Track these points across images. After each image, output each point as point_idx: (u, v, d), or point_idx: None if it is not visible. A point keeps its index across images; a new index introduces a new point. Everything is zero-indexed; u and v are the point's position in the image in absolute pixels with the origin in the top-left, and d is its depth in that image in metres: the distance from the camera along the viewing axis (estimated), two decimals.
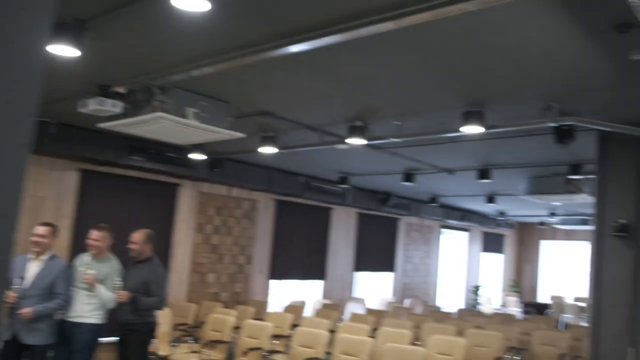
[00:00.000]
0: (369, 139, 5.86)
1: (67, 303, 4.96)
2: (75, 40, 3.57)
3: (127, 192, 7.95)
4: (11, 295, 4.66)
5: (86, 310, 5.04)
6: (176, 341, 7.08)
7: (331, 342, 5.99)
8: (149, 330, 5.22)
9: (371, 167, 8.64)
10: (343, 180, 9.54)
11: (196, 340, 7.36)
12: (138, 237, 5.30)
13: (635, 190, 5.66)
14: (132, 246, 5.27)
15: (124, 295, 5.04)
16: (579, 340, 7.32)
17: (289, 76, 4.57)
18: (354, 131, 5.74)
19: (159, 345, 6.96)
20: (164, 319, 7.48)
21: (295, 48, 3.65)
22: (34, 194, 7.07)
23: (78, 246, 6.64)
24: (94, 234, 5.23)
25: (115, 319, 5.31)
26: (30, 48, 1.10)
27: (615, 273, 5.60)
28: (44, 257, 4.94)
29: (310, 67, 4.32)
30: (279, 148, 6.60)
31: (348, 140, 5.81)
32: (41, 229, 4.95)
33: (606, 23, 3.38)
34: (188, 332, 7.52)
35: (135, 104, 4.89)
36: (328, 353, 5.94)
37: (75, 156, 7.19)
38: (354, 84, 4.69)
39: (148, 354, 5.20)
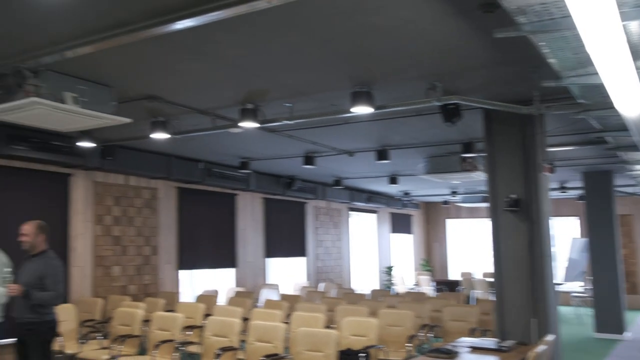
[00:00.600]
0: (261, 122, 5.82)
1: None
2: None
3: (13, 184, 7.50)
4: None
5: None
6: (84, 338, 6.80)
7: (245, 330, 5.94)
8: (49, 329, 4.93)
9: (271, 151, 8.61)
10: (244, 165, 9.45)
11: (105, 336, 7.10)
12: (29, 229, 4.98)
13: (522, 165, 5.94)
14: (24, 238, 4.95)
15: (15, 288, 4.73)
16: (487, 314, 7.62)
17: (170, 58, 4.43)
18: (246, 114, 5.67)
19: (66, 343, 6.68)
20: (69, 315, 7.18)
21: (168, 27, 3.53)
22: None
23: None
24: None
25: (12, 319, 5.00)
26: None
27: (512, 247, 5.88)
28: None
29: (189, 48, 4.20)
30: (173, 134, 6.43)
31: (241, 124, 5.73)
32: None
33: (472, 2, 3.49)
34: (96, 328, 7.23)
35: (7, 89, 4.59)
36: (242, 341, 5.89)
37: None
38: (237, 66, 4.62)
39: (50, 354, 4.92)
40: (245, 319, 6.63)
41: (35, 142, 7.06)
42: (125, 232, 8.92)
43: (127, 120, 5.07)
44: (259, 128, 6.16)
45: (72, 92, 4.74)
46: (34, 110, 4.68)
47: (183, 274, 9.92)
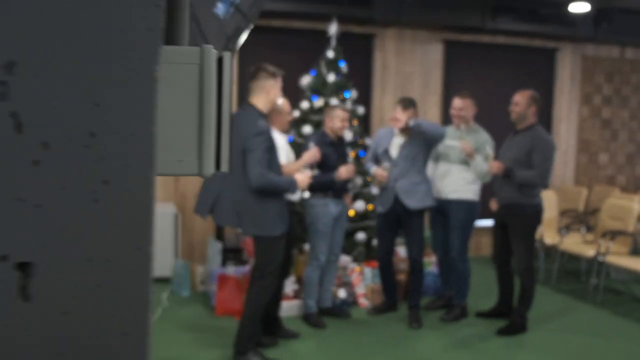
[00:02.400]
0: None
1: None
2: None
3: (495, 62, 7.18)
4: (380, 173, 4.62)
5: (461, 185, 4.71)
6: (565, 229, 6.28)
7: None
8: (535, 213, 4.49)
9: None
10: None
11: (589, 229, 6.42)
12: (520, 99, 4.51)
13: None
14: (514, 108, 4.51)
15: (497, 166, 4.43)
16: None
17: None
18: None
19: (545, 232, 6.31)
20: (549, 202, 6.72)
21: None
22: (400, 69, 6.94)
23: (447, 122, 6.27)
24: (457, 102, 4.74)
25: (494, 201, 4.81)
26: None
27: None
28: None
29: None
30: None
31: None
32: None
33: None
34: (579, 219, 6.56)
35: None
36: None
37: (437, 25, 6.72)
38: None
39: (533, 242, 4.54)
40: None
41: (521, 12, 6.44)
42: (616, 115, 7.70)
43: None
44: None
45: None
46: None
47: None
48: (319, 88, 5.77)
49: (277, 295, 4.29)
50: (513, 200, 4.47)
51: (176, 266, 5.45)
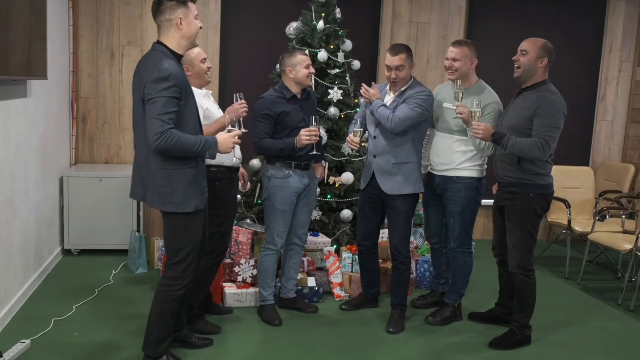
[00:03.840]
0: None
1: None
2: None
3: (530, 12, 6.04)
4: (351, 139, 3.73)
5: (459, 158, 3.77)
6: (601, 214, 5.24)
7: None
8: (539, 196, 3.48)
9: None
10: None
11: (632, 216, 5.37)
12: (530, 46, 3.45)
13: None
14: (519, 58, 3.47)
15: (483, 129, 3.40)
16: None
17: None
18: None
19: (575, 217, 5.31)
20: (584, 181, 5.68)
21: None
22: (414, 19, 5.93)
23: None
24: (451, 51, 3.75)
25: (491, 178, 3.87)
26: None
27: None
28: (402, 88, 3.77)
29: None
30: None
31: None
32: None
33: None
34: (620, 204, 5.48)
35: None
36: None
37: None
38: None
39: (532, 232, 3.57)
40: None
41: None
42: None
43: None
44: None
45: None
46: None
47: None
48: (308, 38, 4.88)
49: (204, 284, 3.57)
50: (511, 179, 3.52)
51: (131, 239, 4.77)
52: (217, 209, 3.42)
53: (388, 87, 3.83)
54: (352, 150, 3.86)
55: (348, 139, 3.75)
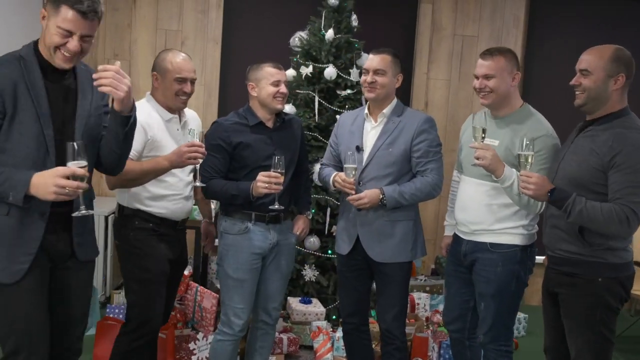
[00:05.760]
0: None
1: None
2: None
3: (605, 23, 4.83)
4: (341, 183, 2.70)
5: (495, 218, 2.62)
6: None
7: None
8: (614, 280, 2.30)
9: None
10: None
11: None
12: (595, 61, 2.27)
13: None
14: (581, 81, 2.31)
15: (534, 182, 2.25)
16: None
17: None
18: None
19: None
20: None
21: None
22: (459, 31, 4.83)
23: None
24: (482, 65, 2.61)
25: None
26: None
27: None
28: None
29: None
30: None
31: None
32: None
33: None
34: None
35: None
36: None
37: None
38: None
39: (606, 334, 2.34)
40: None
41: None
42: None
43: None
44: None
45: None
46: None
47: None
48: (313, 51, 3.91)
49: None
50: (567, 254, 2.37)
51: None
52: (132, 270, 2.53)
53: (366, 110, 2.81)
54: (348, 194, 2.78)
55: (338, 179, 2.71)
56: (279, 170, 2.50)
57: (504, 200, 2.61)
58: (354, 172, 2.64)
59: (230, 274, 2.70)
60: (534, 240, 2.70)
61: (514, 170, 2.50)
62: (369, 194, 2.62)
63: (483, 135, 2.46)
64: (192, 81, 2.62)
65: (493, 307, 2.67)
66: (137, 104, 2.52)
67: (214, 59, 4.73)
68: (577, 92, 2.37)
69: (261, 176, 2.52)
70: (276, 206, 2.59)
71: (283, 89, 2.70)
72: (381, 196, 2.63)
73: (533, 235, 2.69)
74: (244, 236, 2.69)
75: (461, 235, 2.76)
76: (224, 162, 2.65)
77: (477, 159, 2.44)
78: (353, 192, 2.63)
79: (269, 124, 2.76)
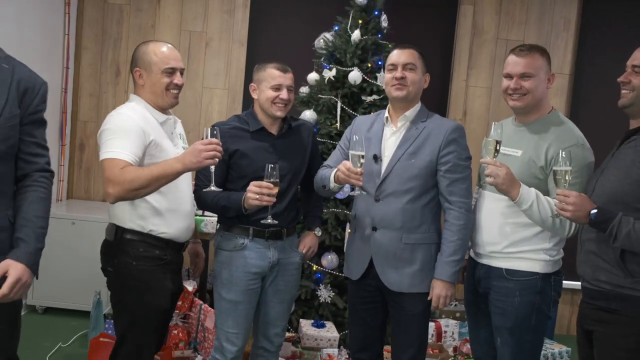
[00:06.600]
0: None
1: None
2: None
3: None
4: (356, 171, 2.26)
5: (512, 239, 2.28)
6: None
7: None
8: None
9: None
10: None
11: None
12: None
13: None
14: (630, 78, 2.04)
15: (573, 202, 1.93)
16: None
17: None
18: None
19: None
20: None
21: None
22: (502, 35, 4.46)
23: (576, 122, 3.65)
24: (517, 63, 2.27)
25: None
26: None
27: None
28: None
29: None
30: None
31: None
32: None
33: None
34: None
35: None
36: None
37: None
38: None
39: None
40: None
41: None
42: None
43: None
44: None
45: None
46: None
47: None
48: (338, 53, 3.63)
49: None
50: (606, 285, 2.00)
51: (92, 304, 3.70)
52: (129, 304, 2.26)
53: (387, 114, 2.46)
54: (357, 189, 2.42)
55: (342, 167, 2.28)
56: (272, 180, 2.21)
57: (524, 218, 2.25)
58: (361, 161, 2.24)
59: (223, 295, 2.43)
60: (559, 268, 2.33)
61: (533, 190, 2.16)
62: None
63: (497, 148, 2.13)
64: (181, 72, 2.36)
65: (511, 343, 2.30)
66: (125, 107, 2.29)
67: (239, 61, 4.50)
68: (623, 91, 2.04)
69: (252, 186, 2.24)
70: (269, 220, 2.30)
71: (284, 94, 2.41)
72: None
73: (557, 262, 2.32)
74: (239, 253, 2.42)
75: (475, 258, 2.41)
76: (220, 170, 2.39)
77: (488, 176, 2.11)
78: (360, 184, 2.28)
79: (273, 130, 2.49)
